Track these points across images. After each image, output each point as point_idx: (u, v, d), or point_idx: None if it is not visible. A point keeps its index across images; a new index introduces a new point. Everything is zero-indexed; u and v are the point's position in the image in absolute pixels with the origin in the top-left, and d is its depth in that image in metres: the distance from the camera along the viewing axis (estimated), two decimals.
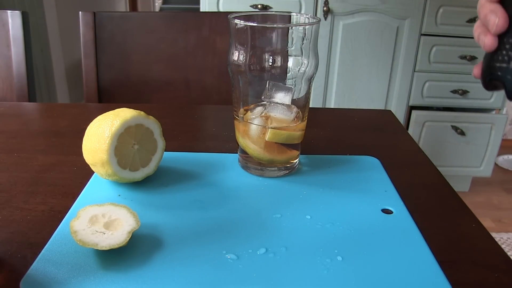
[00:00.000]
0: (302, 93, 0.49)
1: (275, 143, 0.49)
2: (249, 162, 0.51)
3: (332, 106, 1.76)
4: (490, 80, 0.36)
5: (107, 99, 0.99)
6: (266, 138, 0.48)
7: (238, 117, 0.50)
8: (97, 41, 0.97)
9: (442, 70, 1.72)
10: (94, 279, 0.35)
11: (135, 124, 0.46)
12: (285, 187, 0.49)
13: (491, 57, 0.36)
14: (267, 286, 0.35)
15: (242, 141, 0.50)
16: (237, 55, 0.46)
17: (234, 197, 0.47)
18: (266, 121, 0.49)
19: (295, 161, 0.52)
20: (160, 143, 0.49)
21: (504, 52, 0.36)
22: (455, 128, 1.78)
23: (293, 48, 0.46)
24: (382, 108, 1.77)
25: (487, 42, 0.36)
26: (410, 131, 1.79)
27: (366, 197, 0.48)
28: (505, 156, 2.27)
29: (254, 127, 0.49)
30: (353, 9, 1.62)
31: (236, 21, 0.44)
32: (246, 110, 0.50)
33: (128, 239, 0.37)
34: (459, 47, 1.67)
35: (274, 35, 0.45)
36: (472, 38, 1.87)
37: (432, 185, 0.53)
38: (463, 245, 0.42)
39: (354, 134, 0.66)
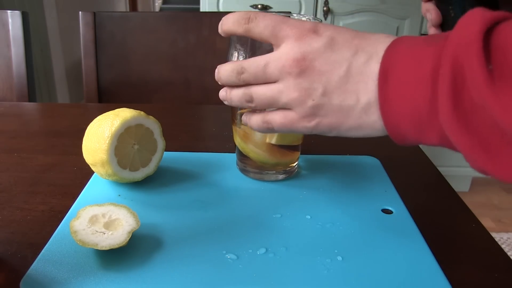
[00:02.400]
0: None
1: (279, 146, 0.49)
2: (248, 165, 0.51)
3: None
4: None
5: (107, 99, 0.99)
6: (273, 141, 0.48)
7: (238, 122, 0.49)
8: (97, 41, 0.97)
9: None
10: (94, 279, 0.35)
11: (135, 124, 0.46)
12: (285, 187, 0.49)
13: None
14: (267, 286, 0.35)
15: (245, 146, 0.49)
16: (236, 56, 0.46)
17: (234, 197, 0.47)
18: None
19: (296, 163, 0.52)
20: (160, 143, 0.49)
21: None
22: None
23: None
24: None
25: (431, 33, 0.45)
26: None
27: (366, 197, 0.48)
28: None
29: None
30: (353, 9, 1.62)
31: None
32: None
33: (128, 239, 0.37)
34: None
35: None
36: None
37: (432, 185, 0.53)
38: (463, 245, 0.42)
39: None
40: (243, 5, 1.58)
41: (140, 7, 4.01)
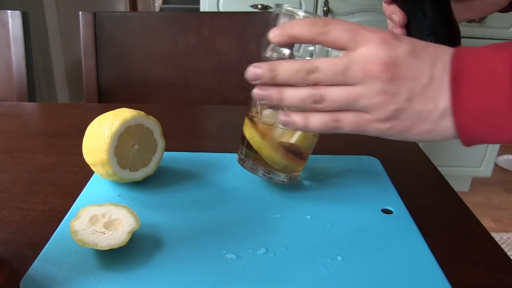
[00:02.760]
0: None
1: (292, 151, 0.47)
2: (255, 162, 0.47)
3: None
4: None
5: (107, 99, 0.99)
6: (292, 141, 0.46)
7: (259, 116, 0.46)
8: (97, 41, 0.97)
9: None
10: (94, 279, 0.35)
11: (135, 124, 0.46)
12: (285, 187, 0.49)
13: None
14: (267, 286, 0.35)
15: (261, 142, 0.46)
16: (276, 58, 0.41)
17: (234, 197, 0.47)
18: None
19: (300, 171, 0.50)
20: (160, 143, 0.49)
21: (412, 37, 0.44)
22: None
23: None
24: None
25: (398, 33, 0.46)
26: None
27: (366, 197, 0.48)
28: (505, 156, 2.27)
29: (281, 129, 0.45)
30: (353, 9, 1.62)
31: (288, 8, 0.40)
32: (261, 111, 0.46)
33: (128, 239, 0.37)
34: None
35: None
36: (472, 38, 1.84)
37: (432, 185, 0.53)
38: (463, 245, 0.42)
39: (354, 134, 0.66)
40: (243, 5, 1.58)
41: (140, 7, 4.01)
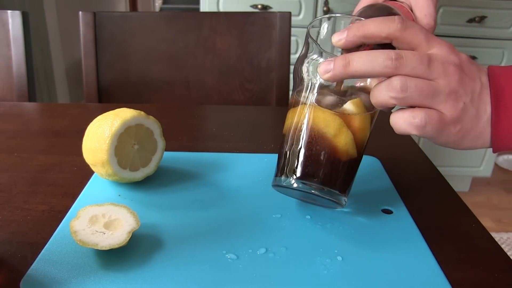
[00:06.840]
0: None
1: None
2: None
3: None
4: None
5: (107, 99, 0.99)
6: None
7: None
8: (97, 41, 0.97)
9: None
10: (94, 279, 0.35)
11: (135, 124, 0.46)
12: None
13: None
14: (267, 286, 0.35)
15: (341, 127, 0.38)
16: (321, 58, 0.38)
17: (234, 197, 0.47)
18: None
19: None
20: (160, 143, 0.49)
21: None
22: None
23: None
24: None
25: None
26: None
27: (366, 197, 0.48)
28: (505, 156, 2.27)
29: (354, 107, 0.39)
30: (353, 9, 1.62)
31: (344, 15, 0.39)
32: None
33: (128, 239, 0.37)
34: (459, 47, 1.67)
35: None
36: (472, 38, 1.83)
37: (432, 185, 0.53)
38: (463, 245, 0.42)
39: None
40: (243, 5, 1.58)
41: (140, 7, 4.01)
